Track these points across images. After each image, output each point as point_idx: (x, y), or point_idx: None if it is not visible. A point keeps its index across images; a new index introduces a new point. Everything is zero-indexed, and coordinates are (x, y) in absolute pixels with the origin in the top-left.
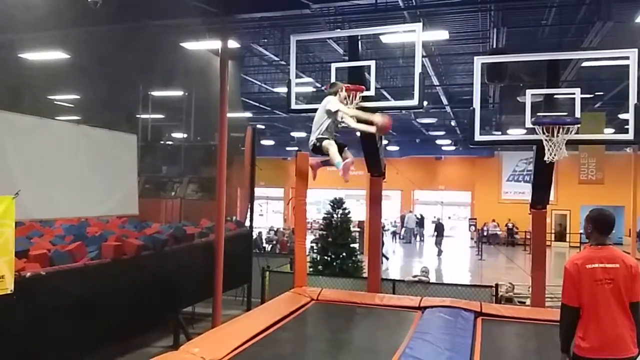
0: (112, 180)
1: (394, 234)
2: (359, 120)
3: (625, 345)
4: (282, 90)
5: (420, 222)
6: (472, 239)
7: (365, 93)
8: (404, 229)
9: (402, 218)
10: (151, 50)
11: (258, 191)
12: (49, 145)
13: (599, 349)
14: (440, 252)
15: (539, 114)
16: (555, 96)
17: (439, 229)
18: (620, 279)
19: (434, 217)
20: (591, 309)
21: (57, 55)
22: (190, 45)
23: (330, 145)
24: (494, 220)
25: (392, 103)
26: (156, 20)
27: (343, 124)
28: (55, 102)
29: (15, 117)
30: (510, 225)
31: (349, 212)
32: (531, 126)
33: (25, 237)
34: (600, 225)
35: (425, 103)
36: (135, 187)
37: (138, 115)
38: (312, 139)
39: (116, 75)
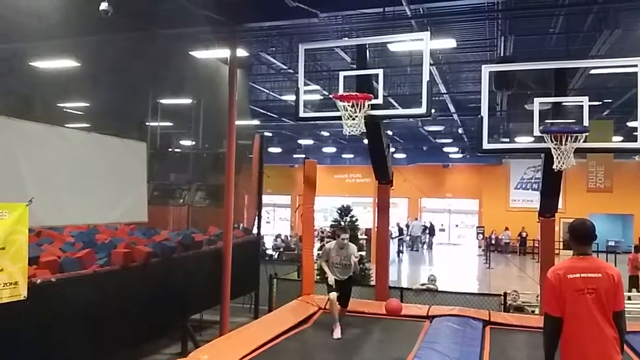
0: (122, 188)
1: (400, 241)
2: None
3: (608, 354)
4: (290, 98)
5: (431, 230)
6: (479, 247)
7: (373, 101)
8: (408, 237)
9: (407, 226)
10: (161, 59)
11: (265, 198)
12: (59, 153)
13: (581, 359)
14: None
15: (547, 121)
16: (564, 104)
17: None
18: (602, 288)
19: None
20: (573, 319)
21: (67, 63)
22: (199, 54)
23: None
24: (507, 229)
25: (400, 111)
26: (166, 29)
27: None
28: (66, 110)
29: (27, 125)
30: (524, 234)
31: (356, 220)
32: (539, 134)
33: (35, 244)
34: (576, 234)
35: (433, 111)
36: (145, 194)
37: (147, 123)
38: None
39: (126, 83)
